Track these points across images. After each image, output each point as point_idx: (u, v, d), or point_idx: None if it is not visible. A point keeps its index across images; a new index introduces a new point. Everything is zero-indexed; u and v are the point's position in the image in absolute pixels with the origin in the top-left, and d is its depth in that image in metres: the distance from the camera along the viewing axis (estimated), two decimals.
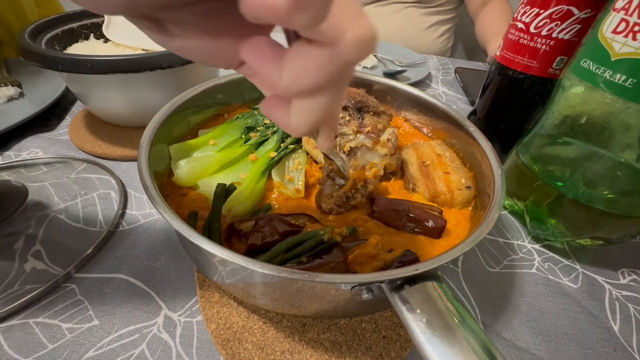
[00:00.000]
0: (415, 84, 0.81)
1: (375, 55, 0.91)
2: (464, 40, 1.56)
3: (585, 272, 0.43)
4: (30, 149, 0.51)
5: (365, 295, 0.24)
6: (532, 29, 0.47)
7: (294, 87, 0.14)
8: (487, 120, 0.58)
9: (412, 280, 0.24)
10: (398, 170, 0.42)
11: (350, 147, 0.40)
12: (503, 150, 0.52)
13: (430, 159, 0.43)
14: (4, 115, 0.55)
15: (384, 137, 0.42)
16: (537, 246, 0.46)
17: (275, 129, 0.45)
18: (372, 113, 0.44)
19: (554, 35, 0.46)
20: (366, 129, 0.41)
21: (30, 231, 0.39)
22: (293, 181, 0.39)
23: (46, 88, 0.63)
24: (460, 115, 0.45)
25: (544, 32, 0.46)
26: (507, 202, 0.50)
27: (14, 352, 0.29)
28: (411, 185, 0.41)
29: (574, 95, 0.39)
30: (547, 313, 0.38)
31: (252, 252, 0.29)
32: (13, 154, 0.50)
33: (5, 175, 0.45)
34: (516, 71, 0.51)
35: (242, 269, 0.24)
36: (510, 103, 0.54)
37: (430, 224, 0.34)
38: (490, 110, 0.58)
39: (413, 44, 1.20)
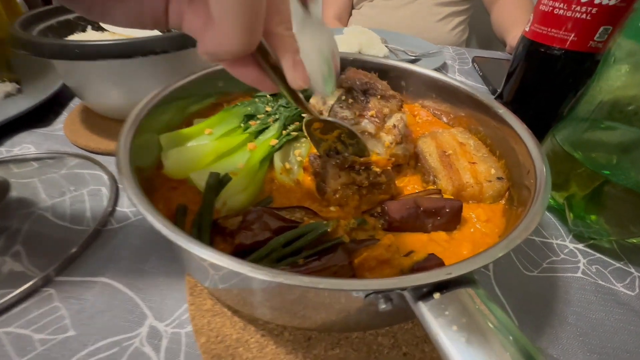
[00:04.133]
0: None
1: (386, 46, 0.85)
2: (479, 31, 1.49)
3: None
4: (22, 144, 0.49)
5: (383, 306, 0.20)
6: None
7: None
8: (514, 105, 0.53)
9: (442, 287, 0.19)
10: (406, 163, 0.37)
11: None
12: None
13: (452, 148, 0.38)
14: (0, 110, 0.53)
15: (389, 122, 0.37)
16: (580, 246, 0.40)
17: (277, 116, 0.41)
18: (379, 97, 0.39)
19: (596, 1, 0.40)
20: (369, 113, 0.37)
21: (12, 230, 0.35)
22: (292, 171, 0.36)
23: (45, 85, 0.61)
24: (487, 97, 0.39)
25: None
26: None
27: None
28: (431, 177, 0.36)
29: (624, 72, 0.33)
30: (601, 326, 0.31)
31: (240, 254, 0.25)
32: (5, 150, 0.47)
33: None
34: (550, 47, 0.45)
35: (232, 273, 0.20)
36: (541, 85, 0.48)
37: (447, 209, 0.30)
38: (518, 94, 0.52)
39: (427, 37, 1.14)
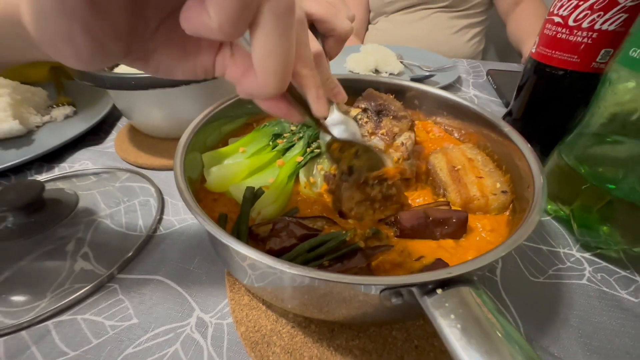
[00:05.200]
0: (444, 89, 0.78)
1: (401, 62, 0.90)
2: (496, 42, 1.50)
3: None
4: (81, 160, 0.57)
5: (394, 300, 0.24)
6: (570, 22, 0.44)
7: (223, 16, 0.14)
8: (524, 121, 0.55)
9: (445, 284, 0.23)
10: (413, 177, 0.41)
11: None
12: (544, 152, 0.49)
13: (461, 163, 0.42)
14: (61, 131, 0.62)
15: (398, 140, 0.41)
16: (587, 255, 0.42)
17: (301, 134, 0.46)
18: (391, 117, 0.43)
19: (596, 27, 0.43)
20: (380, 131, 0.41)
21: (80, 235, 0.42)
22: (316, 184, 0.40)
23: (96, 106, 0.69)
24: (493, 115, 0.43)
25: (584, 25, 0.43)
26: (550, 206, 0.47)
27: (64, 345, 0.32)
28: (441, 191, 0.40)
29: (623, 90, 0.36)
30: (603, 329, 0.34)
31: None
32: (67, 166, 0.55)
33: (60, 185, 0.50)
34: (555, 67, 0.48)
35: (269, 269, 0.25)
36: (549, 102, 0.51)
37: (454, 219, 0.33)
38: (527, 111, 0.55)
39: (443, 49, 1.17)
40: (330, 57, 0.36)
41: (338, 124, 0.31)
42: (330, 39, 0.37)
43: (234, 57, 0.20)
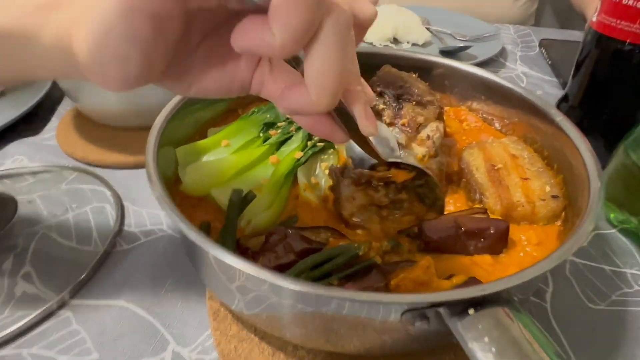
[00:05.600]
0: (483, 64, 0.83)
1: (428, 28, 0.94)
2: (553, 2, 1.55)
3: None
4: (14, 156, 0.60)
5: (419, 323, 0.27)
6: None
7: (288, 34, 0.18)
8: (583, 108, 0.60)
9: (478, 304, 0.26)
10: (443, 179, 0.44)
11: None
12: (608, 148, 0.53)
13: (502, 161, 0.45)
14: None
15: (423, 133, 0.45)
16: None
17: None
18: (414, 102, 0.46)
19: None
20: (401, 121, 0.44)
21: (19, 250, 0.46)
22: (319, 187, 0.44)
23: (31, 86, 0.72)
24: (542, 101, 0.47)
25: None
26: (614, 215, 0.51)
27: None
28: (477, 196, 0.43)
29: None
30: None
31: None
32: None
33: None
34: (621, 41, 0.52)
35: (268, 288, 0.28)
36: (614, 84, 0.55)
37: (492, 230, 0.36)
38: (587, 96, 0.59)
39: (482, 12, 1.21)
40: None
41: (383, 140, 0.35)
42: None
43: (273, 72, 0.25)
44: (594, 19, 0.55)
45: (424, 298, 0.26)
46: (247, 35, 0.20)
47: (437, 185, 0.41)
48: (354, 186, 0.40)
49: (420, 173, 0.40)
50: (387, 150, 0.41)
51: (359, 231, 0.40)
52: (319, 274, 0.34)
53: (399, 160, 0.41)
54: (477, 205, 0.43)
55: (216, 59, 0.24)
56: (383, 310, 0.27)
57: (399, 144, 0.44)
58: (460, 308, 0.26)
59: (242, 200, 0.40)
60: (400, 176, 0.40)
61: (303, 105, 0.22)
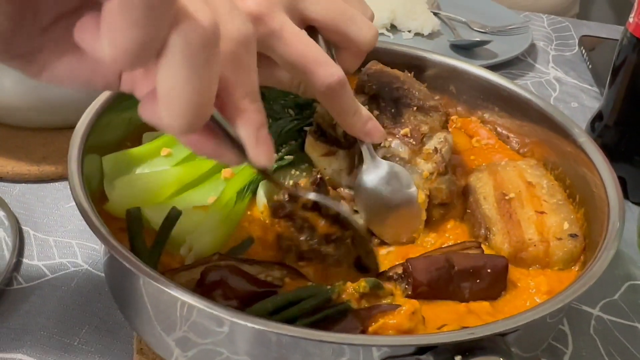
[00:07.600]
0: (505, 64, 0.75)
1: (436, 14, 0.85)
2: None
3: None
4: None
5: None
6: None
7: (116, 51, 0.16)
8: (619, 128, 0.55)
9: (466, 351, 0.24)
10: (453, 201, 0.40)
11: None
12: None
13: (516, 189, 0.40)
14: None
15: (429, 145, 0.40)
16: None
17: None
18: (415, 108, 0.42)
19: None
20: (402, 131, 0.40)
21: None
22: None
23: None
24: (564, 116, 0.42)
25: None
26: None
27: None
28: (483, 230, 0.39)
29: None
30: None
31: None
32: None
33: None
34: None
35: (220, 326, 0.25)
36: None
37: (488, 269, 0.33)
38: (624, 112, 0.54)
39: None
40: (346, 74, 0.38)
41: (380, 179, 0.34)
42: (344, 51, 0.37)
43: (148, 72, 0.21)
44: (631, 20, 0.51)
45: (405, 341, 0.25)
46: (82, 35, 0.18)
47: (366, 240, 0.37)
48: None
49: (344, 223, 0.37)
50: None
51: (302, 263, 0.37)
52: (281, 319, 0.30)
53: (319, 201, 0.35)
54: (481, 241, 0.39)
55: (71, 45, 0.21)
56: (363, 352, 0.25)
57: (401, 159, 0.40)
58: (446, 356, 0.24)
59: (178, 218, 0.35)
60: (320, 227, 0.36)
61: (155, 120, 0.20)
